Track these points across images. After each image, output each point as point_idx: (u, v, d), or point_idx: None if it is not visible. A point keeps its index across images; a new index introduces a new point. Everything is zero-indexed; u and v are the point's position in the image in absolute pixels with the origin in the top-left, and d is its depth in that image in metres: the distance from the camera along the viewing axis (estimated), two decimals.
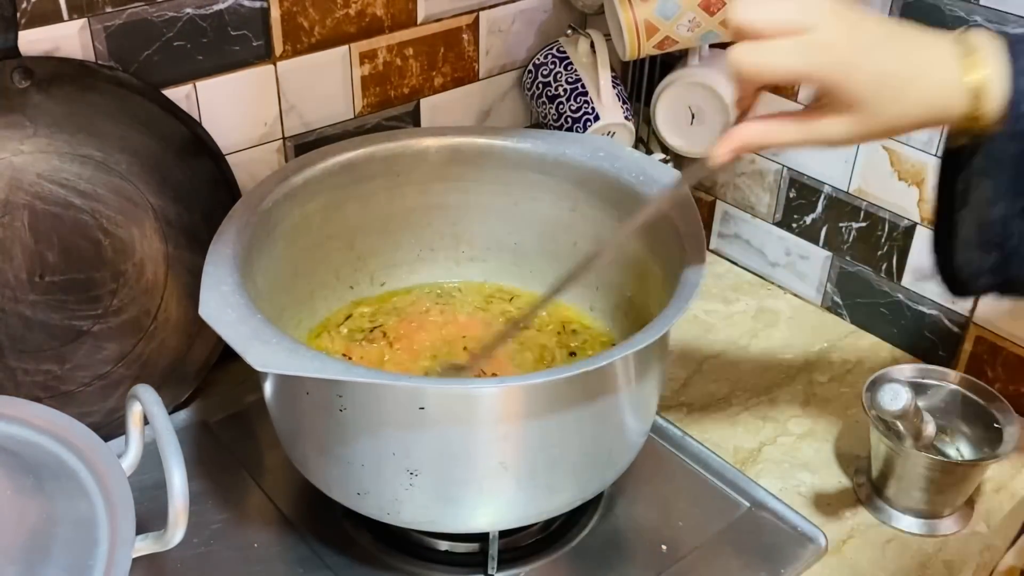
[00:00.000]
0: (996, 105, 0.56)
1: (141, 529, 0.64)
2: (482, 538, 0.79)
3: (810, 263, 1.11)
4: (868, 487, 0.87)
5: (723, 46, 1.08)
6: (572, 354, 0.88)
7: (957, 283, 0.65)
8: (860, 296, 1.08)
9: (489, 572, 0.79)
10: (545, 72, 1.06)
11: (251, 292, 0.71)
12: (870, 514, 0.86)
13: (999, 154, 0.57)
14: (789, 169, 1.09)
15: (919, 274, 1.01)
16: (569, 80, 1.05)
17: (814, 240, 1.10)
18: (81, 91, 0.79)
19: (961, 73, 0.56)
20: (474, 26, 1.03)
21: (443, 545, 0.80)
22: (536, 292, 0.95)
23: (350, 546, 0.80)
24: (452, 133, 0.92)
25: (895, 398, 0.76)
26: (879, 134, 0.60)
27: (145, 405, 0.67)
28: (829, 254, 1.09)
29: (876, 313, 1.07)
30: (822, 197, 1.07)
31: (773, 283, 1.16)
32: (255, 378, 0.77)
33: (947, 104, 0.57)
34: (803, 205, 1.09)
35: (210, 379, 0.93)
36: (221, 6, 0.85)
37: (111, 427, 0.85)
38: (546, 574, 0.80)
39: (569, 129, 1.04)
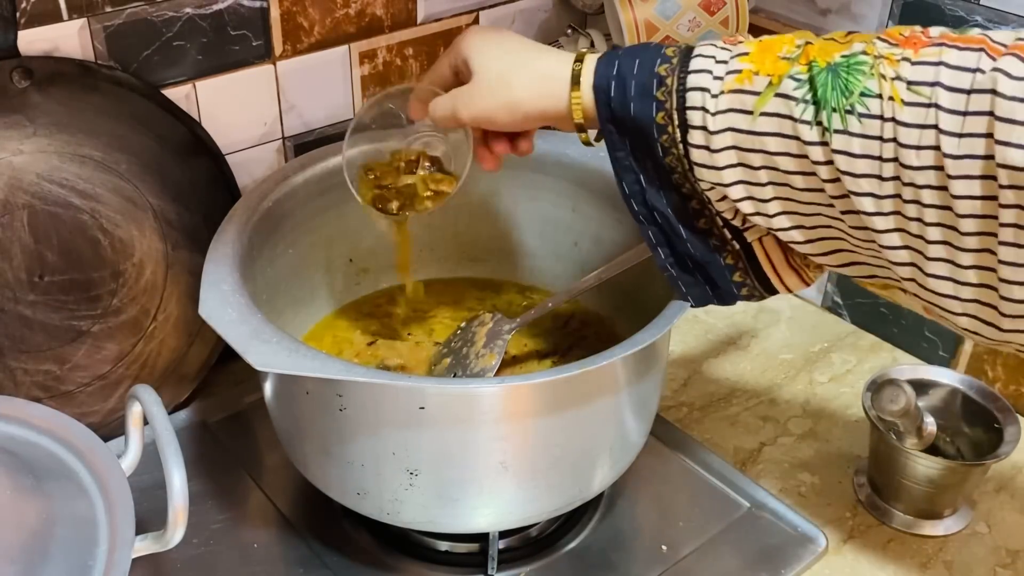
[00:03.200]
0: (589, 98, 0.66)
1: (141, 529, 0.64)
2: (482, 538, 0.79)
3: None
4: (868, 487, 0.87)
5: None
6: (569, 348, 0.88)
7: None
8: (860, 296, 1.07)
9: (489, 572, 0.78)
10: None
11: (251, 292, 0.71)
12: (870, 514, 0.86)
13: (610, 136, 0.66)
14: None
15: None
16: None
17: None
18: (81, 91, 0.79)
19: (567, 66, 0.67)
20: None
21: (443, 545, 0.80)
22: (536, 292, 0.95)
23: (350, 546, 0.80)
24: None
25: (895, 398, 0.76)
26: (503, 108, 0.68)
27: (145, 405, 0.67)
28: None
29: (876, 313, 1.07)
30: None
31: None
32: (255, 378, 0.77)
33: (553, 89, 0.67)
34: None
35: (210, 379, 0.93)
36: (221, 6, 0.85)
37: (111, 427, 0.85)
38: (546, 574, 0.80)
39: None
